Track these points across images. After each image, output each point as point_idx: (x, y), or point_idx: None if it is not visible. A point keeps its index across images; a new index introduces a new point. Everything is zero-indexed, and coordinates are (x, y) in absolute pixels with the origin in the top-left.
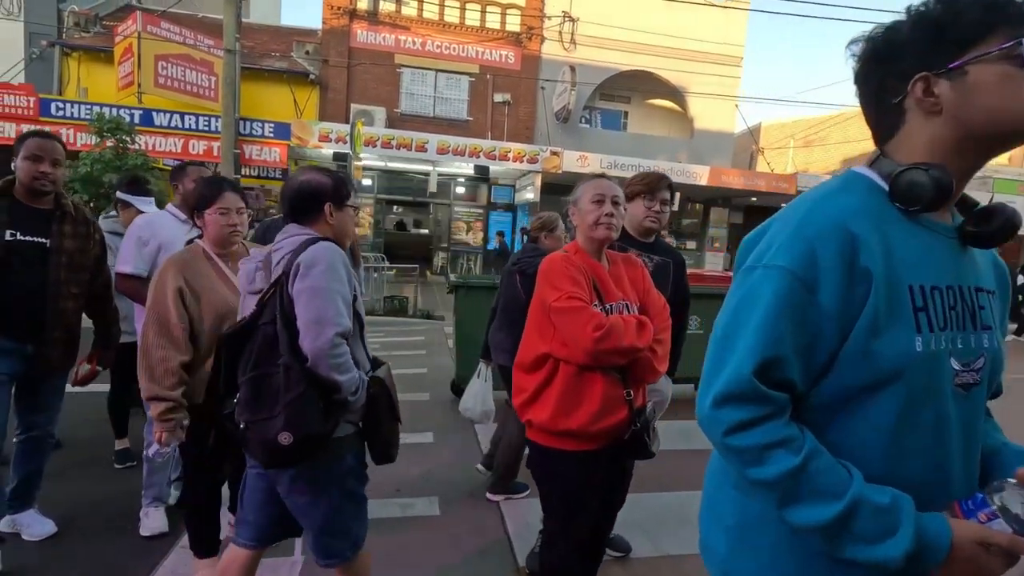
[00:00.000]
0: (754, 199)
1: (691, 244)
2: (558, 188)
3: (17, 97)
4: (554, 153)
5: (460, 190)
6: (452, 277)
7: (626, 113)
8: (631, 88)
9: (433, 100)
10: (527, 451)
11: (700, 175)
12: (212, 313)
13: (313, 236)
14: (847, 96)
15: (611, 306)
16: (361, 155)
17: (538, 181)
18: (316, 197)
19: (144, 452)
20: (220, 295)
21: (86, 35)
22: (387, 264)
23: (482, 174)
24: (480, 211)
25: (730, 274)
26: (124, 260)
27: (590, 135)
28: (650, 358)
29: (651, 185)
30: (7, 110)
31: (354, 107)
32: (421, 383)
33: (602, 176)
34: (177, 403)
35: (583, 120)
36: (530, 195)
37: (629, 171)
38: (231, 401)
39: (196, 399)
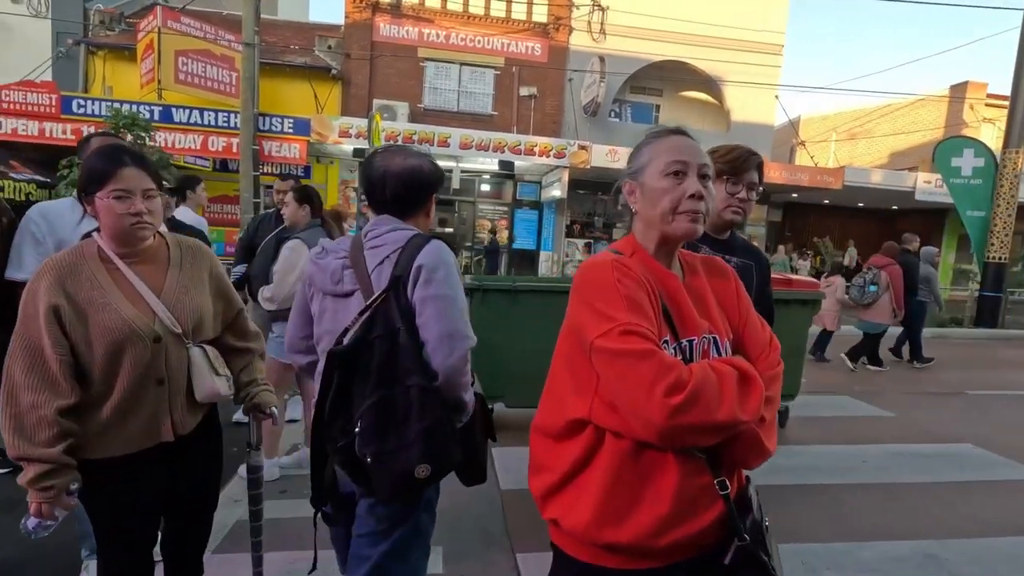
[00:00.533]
0: (795, 195)
1: None
2: (586, 184)
3: (39, 95)
4: (582, 147)
5: (485, 188)
6: (467, 279)
7: (658, 107)
8: (663, 79)
9: (457, 94)
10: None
11: None
12: (105, 339)
13: (417, 232)
14: (897, 84)
15: (691, 344)
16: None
17: (565, 177)
18: (424, 187)
19: (22, 522)
20: (115, 314)
21: (111, 33)
22: None
23: (507, 170)
24: (505, 209)
25: (817, 281)
26: (14, 264)
27: (620, 129)
28: (756, 432)
29: (736, 164)
30: (29, 108)
31: (376, 102)
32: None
33: (679, 132)
34: (57, 464)
35: (612, 114)
36: (557, 192)
37: None
38: (339, 432)
39: (92, 454)
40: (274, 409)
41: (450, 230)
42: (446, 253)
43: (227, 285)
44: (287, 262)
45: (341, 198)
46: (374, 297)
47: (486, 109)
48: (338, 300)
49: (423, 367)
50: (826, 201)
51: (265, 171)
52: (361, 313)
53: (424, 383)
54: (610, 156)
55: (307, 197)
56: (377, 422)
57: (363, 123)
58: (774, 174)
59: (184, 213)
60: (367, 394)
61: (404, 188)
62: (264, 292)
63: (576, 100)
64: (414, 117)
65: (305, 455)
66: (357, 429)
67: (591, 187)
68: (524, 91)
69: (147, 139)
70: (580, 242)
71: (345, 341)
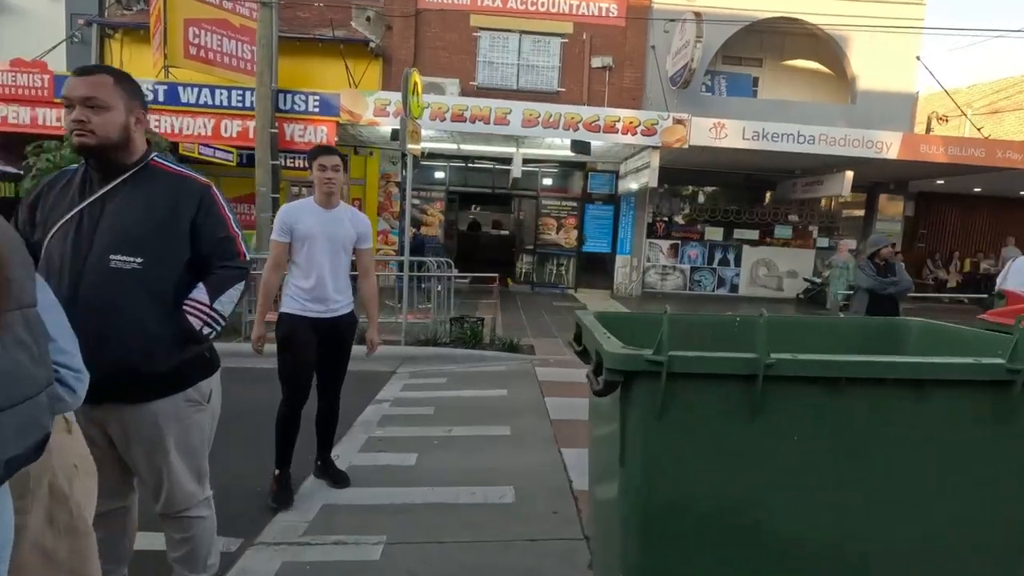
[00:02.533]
0: (940, 181)
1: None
2: (679, 174)
3: (30, 75)
4: (678, 121)
5: (547, 181)
6: (613, 350)
7: (756, 79)
8: (762, 47)
9: (517, 69)
10: None
11: (888, 145)
12: None
13: None
14: None
15: None
16: (420, 121)
17: (656, 160)
18: None
19: None
20: None
21: (128, 13)
22: (456, 273)
23: (581, 152)
24: (573, 205)
25: None
26: None
27: (714, 104)
28: None
29: None
30: (20, 91)
31: (422, 80)
32: (506, 514)
33: None
34: None
35: (704, 88)
36: (637, 183)
37: (783, 143)
38: None
39: None
40: None
41: (506, 232)
42: None
43: None
44: None
45: (382, 195)
46: None
47: (551, 85)
48: None
49: None
50: (977, 190)
51: (289, 162)
52: None
53: None
54: (715, 131)
55: None
56: None
57: None
58: (937, 151)
59: None
60: None
61: None
62: None
63: (661, 70)
64: (466, 96)
65: None
66: None
67: (686, 178)
68: (597, 62)
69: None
70: (664, 243)
71: None
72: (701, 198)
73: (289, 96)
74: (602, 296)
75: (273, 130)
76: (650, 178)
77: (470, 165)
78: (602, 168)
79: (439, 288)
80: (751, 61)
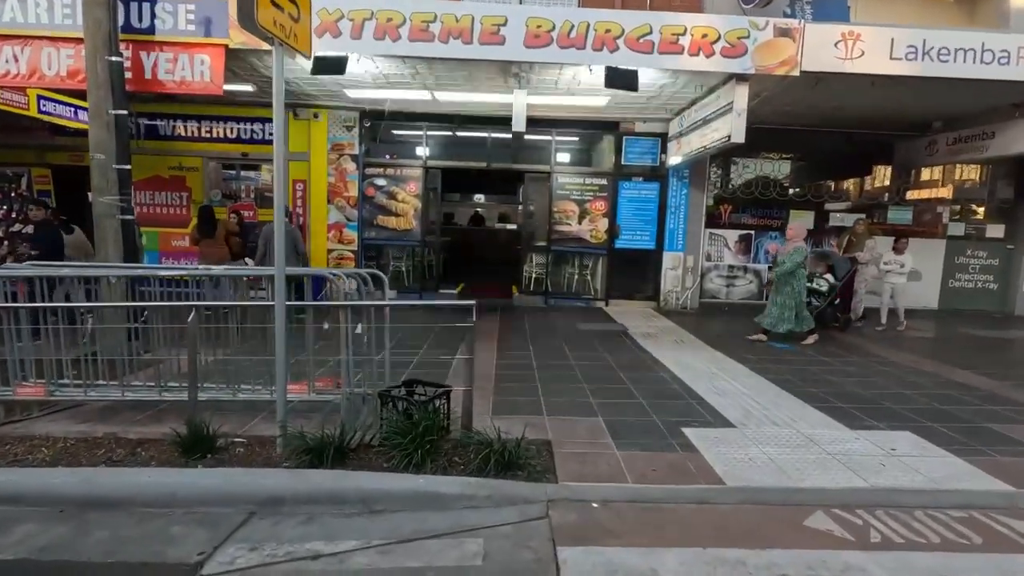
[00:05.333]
0: None
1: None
2: (752, 137)
3: None
4: (783, 32)
5: (565, 152)
6: None
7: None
8: None
9: None
10: None
11: None
12: None
13: None
14: None
15: None
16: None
17: (742, 98)
18: None
19: None
20: None
21: None
22: (392, 300)
23: (624, 84)
24: (602, 183)
25: None
26: None
27: None
28: None
29: None
30: None
31: None
32: None
33: None
34: None
35: (783, 13)
36: (706, 141)
37: (958, 64)
38: None
39: None
40: None
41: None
42: None
43: None
44: None
45: (334, 174)
46: None
47: None
48: None
49: None
50: None
51: (182, 128)
52: None
53: None
54: (844, 47)
55: None
56: None
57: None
58: None
59: None
60: None
61: None
62: None
63: None
64: None
65: None
66: None
67: (759, 140)
68: None
69: None
70: (731, 235)
71: None
72: (782, 170)
73: (145, 5)
74: (644, 310)
75: (114, 58)
76: (732, 130)
77: (458, 134)
78: (643, 130)
79: (359, 327)
80: None
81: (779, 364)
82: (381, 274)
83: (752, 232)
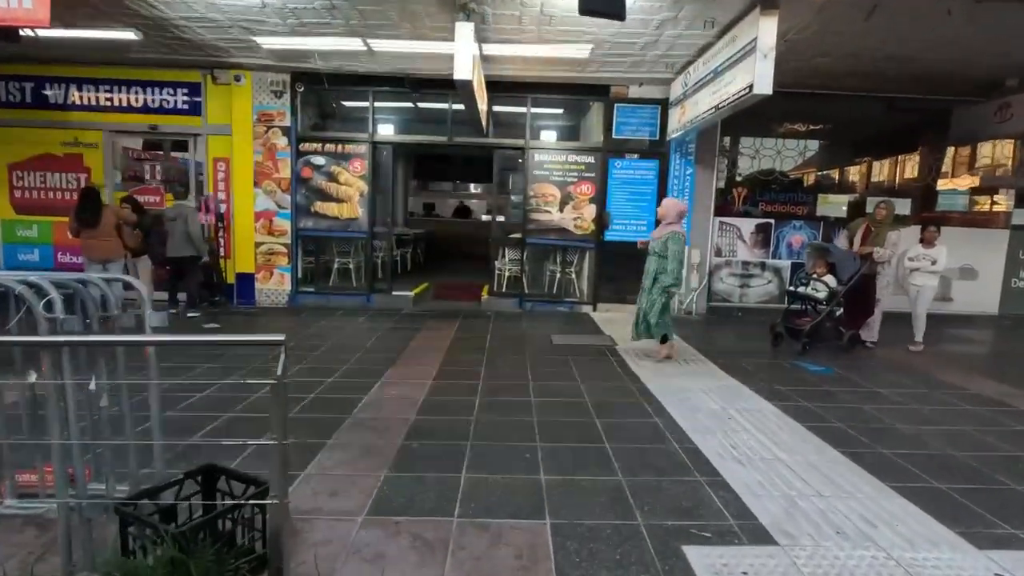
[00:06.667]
0: None
1: None
2: (770, 103)
3: None
4: None
5: (542, 130)
6: None
7: None
8: None
9: None
10: None
11: None
12: None
13: None
14: None
15: None
16: None
17: (769, 34)
18: None
19: None
20: None
21: None
22: (161, 336)
23: (606, 10)
24: (589, 161)
25: None
26: None
27: None
28: None
29: None
30: None
31: None
32: None
33: None
34: None
35: None
36: (722, 96)
37: None
38: None
39: None
40: None
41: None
42: None
43: None
44: None
45: (261, 151)
46: None
47: None
48: None
49: None
50: None
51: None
52: None
53: None
54: None
55: None
56: None
57: None
58: None
59: None
60: None
61: None
62: None
63: None
64: None
65: None
66: None
67: (779, 108)
68: None
69: None
70: (745, 223)
71: None
72: (807, 148)
73: None
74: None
75: None
76: (755, 77)
77: (418, 105)
78: (638, 95)
79: (32, 376)
80: None
81: (822, 401)
82: (131, 280)
83: (772, 221)
